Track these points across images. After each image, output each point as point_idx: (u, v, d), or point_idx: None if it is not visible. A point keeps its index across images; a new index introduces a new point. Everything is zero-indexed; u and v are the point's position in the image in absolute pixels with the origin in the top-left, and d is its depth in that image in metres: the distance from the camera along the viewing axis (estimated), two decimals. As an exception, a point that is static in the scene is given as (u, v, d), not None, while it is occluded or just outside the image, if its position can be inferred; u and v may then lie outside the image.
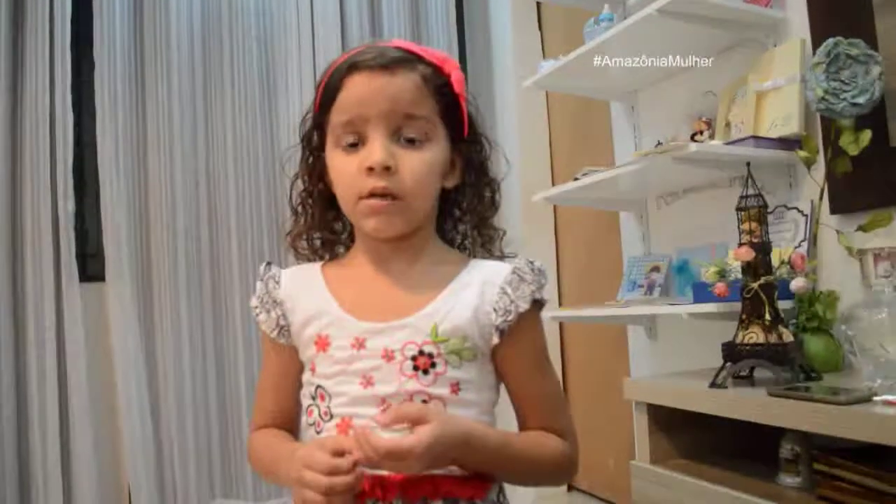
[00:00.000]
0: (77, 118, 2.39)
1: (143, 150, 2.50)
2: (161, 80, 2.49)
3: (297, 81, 2.62)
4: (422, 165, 0.78)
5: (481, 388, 0.80)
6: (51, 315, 2.29)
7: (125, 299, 2.39)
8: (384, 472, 0.72)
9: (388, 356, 0.76)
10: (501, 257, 0.88)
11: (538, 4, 2.80)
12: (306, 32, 2.65)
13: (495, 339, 0.79)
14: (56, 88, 2.33)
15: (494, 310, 0.79)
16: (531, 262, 0.82)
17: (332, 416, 0.78)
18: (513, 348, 0.80)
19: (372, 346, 0.77)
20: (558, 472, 0.83)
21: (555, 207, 2.70)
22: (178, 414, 2.42)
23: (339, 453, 0.69)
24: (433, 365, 0.76)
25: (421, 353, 0.76)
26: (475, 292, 0.80)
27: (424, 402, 0.75)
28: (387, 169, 0.75)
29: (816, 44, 1.48)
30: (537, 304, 0.81)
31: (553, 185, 2.61)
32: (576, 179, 1.93)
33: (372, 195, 0.76)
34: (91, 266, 2.46)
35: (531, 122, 2.77)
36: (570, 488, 2.55)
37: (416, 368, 0.76)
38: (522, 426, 0.83)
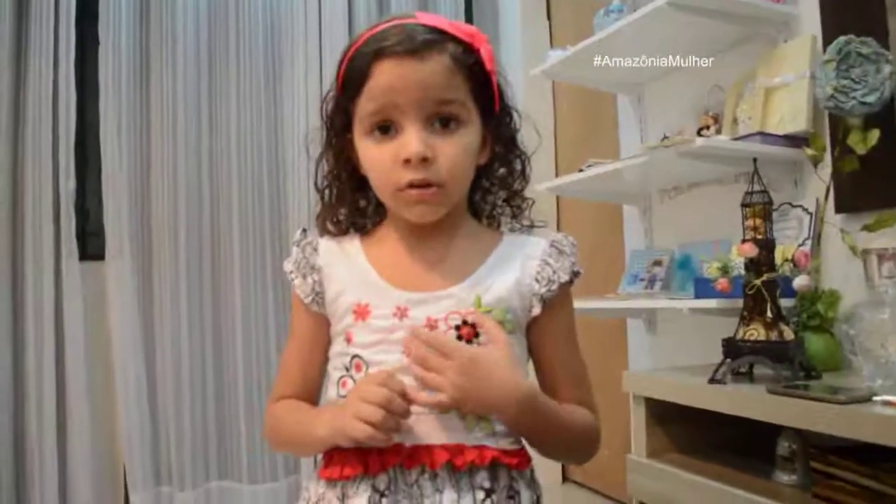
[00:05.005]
0: (80, 96, 2.38)
1: (145, 129, 2.49)
2: (166, 60, 2.48)
3: (303, 66, 2.60)
4: (458, 151, 0.76)
5: (518, 362, 0.80)
6: (50, 293, 2.29)
7: (125, 278, 2.39)
8: (432, 442, 0.73)
9: (432, 325, 0.76)
10: (531, 226, 0.88)
11: (547, -7, 2.78)
12: (313, 18, 2.62)
13: (536, 310, 0.79)
14: (60, 65, 2.32)
15: (537, 280, 0.80)
16: (566, 236, 0.83)
17: None
18: (551, 319, 0.81)
19: (415, 316, 0.76)
20: (591, 446, 0.83)
21: (558, 198, 2.69)
22: (175, 394, 2.43)
23: (388, 384, 0.70)
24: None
25: (465, 322, 0.76)
26: (516, 265, 0.80)
27: None
28: (424, 160, 0.74)
29: (827, 41, 1.47)
30: (574, 277, 0.82)
31: (557, 175, 2.60)
32: (580, 171, 1.92)
33: (411, 186, 0.75)
34: (91, 245, 2.45)
35: (537, 112, 2.75)
36: (566, 479, 2.55)
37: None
38: (553, 398, 0.82)
